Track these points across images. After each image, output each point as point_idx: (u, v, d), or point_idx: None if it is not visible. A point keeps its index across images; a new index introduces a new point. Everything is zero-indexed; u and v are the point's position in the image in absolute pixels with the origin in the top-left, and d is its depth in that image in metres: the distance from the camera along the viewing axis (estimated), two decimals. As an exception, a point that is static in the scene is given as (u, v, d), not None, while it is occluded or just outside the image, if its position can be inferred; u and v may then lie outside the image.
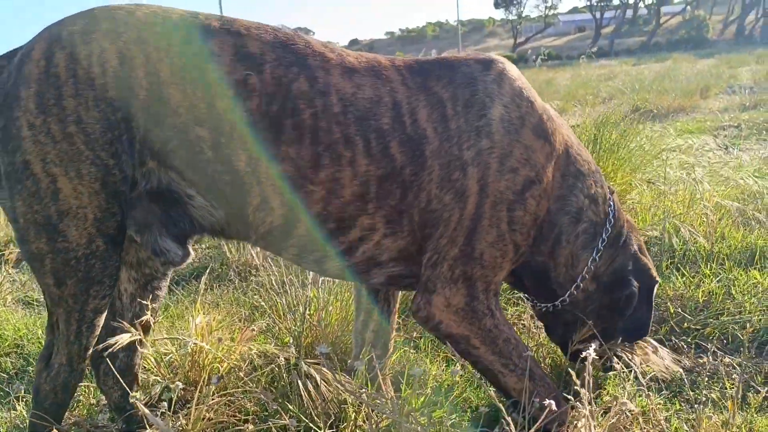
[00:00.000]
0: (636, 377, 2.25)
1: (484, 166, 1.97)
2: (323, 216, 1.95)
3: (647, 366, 2.49)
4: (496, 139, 1.99)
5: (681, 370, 2.57)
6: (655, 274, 2.41)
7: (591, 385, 1.85)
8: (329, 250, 2.03)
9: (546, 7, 73.65)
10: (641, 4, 69.21)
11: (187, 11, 1.96)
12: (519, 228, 2.03)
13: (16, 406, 2.60)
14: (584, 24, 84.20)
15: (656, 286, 2.41)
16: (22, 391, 2.68)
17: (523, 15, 75.55)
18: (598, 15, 66.90)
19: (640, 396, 2.31)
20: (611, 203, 2.30)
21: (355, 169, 1.92)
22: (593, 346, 1.91)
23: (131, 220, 1.95)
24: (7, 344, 3.30)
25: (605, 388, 2.51)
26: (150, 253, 2.03)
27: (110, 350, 2.20)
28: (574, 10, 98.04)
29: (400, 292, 2.59)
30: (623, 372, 2.33)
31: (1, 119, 1.83)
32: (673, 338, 2.92)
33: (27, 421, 2.43)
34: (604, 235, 2.24)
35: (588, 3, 68.06)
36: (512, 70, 2.14)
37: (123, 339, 1.94)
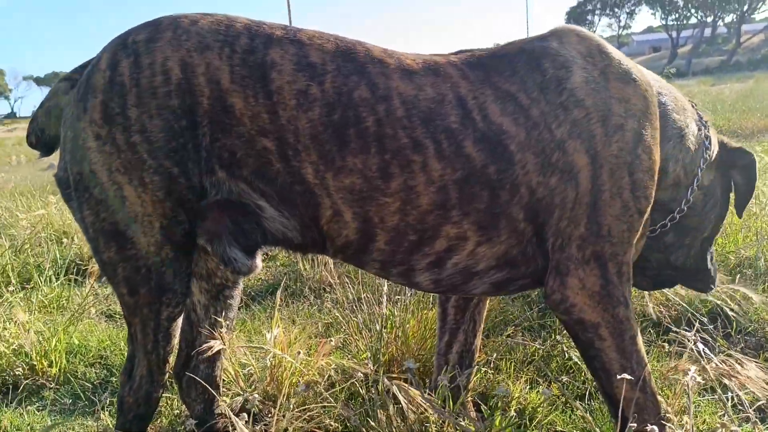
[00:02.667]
0: (734, 405, 2.12)
1: (588, 134, 1.86)
2: (402, 228, 1.88)
3: (736, 381, 2.33)
4: (589, 104, 1.88)
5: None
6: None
7: (692, 410, 1.74)
8: (414, 263, 1.96)
9: (619, 27, 72.45)
10: (720, 23, 67.12)
11: (252, 20, 1.93)
12: (641, 192, 1.90)
13: (101, 415, 2.65)
14: (659, 44, 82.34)
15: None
16: (107, 401, 2.73)
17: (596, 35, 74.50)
18: (674, 34, 65.30)
19: (746, 424, 2.17)
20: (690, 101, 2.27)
21: (429, 174, 1.83)
22: (693, 369, 1.79)
23: (202, 230, 1.94)
24: (91, 355, 3.39)
25: (700, 416, 2.37)
26: (219, 261, 2.02)
27: (193, 362, 2.22)
28: (649, 30, 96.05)
29: (485, 311, 2.51)
30: (723, 398, 2.19)
31: (70, 131, 1.87)
32: (771, 366, 2.75)
33: (111, 429, 2.48)
34: (703, 121, 2.20)
35: (663, 22, 66.53)
36: (571, 30, 2.04)
37: (214, 345, 1.95)
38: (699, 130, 2.18)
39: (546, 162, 1.86)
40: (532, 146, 1.85)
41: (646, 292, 3.21)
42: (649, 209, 1.96)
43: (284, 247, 2.02)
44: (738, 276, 3.36)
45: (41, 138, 2.04)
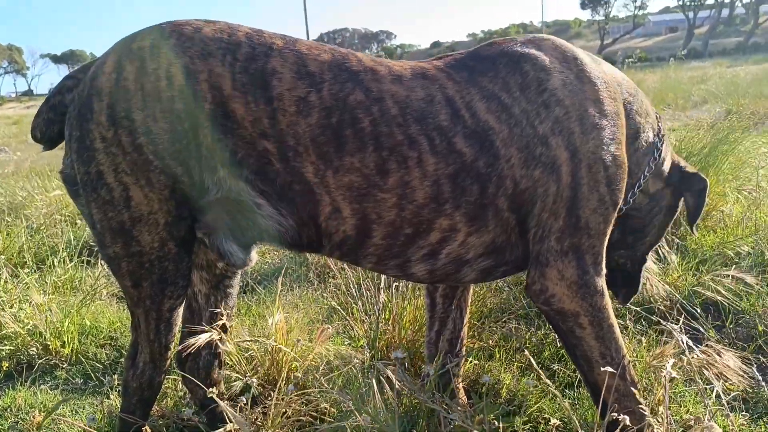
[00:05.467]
0: (718, 395, 2.19)
1: (567, 132, 1.97)
2: (398, 222, 1.97)
3: (715, 370, 2.41)
4: (568, 104, 1.99)
5: (753, 371, 2.48)
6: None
7: (668, 401, 1.82)
8: (410, 255, 2.05)
9: (635, 7, 71.54)
10: (738, 3, 66.09)
11: (253, 29, 2.02)
12: (615, 185, 2.02)
13: (110, 395, 2.76)
14: (676, 24, 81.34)
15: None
16: (116, 382, 2.85)
17: (611, 15, 73.71)
18: (691, 15, 64.38)
19: (722, 416, 2.25)
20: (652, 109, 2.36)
21: (424, 169, 1.93)
22: (671, 362, 1.87)
23: (201, 224, 2.03)
24: (102, 336, 3.51)
25: (684, 405, 2.45)
26: (215, 254, 2.12)
27: (191, 350, 2.32)
28: (666, 10, 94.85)
29: (470, 298, 2.60)
30: (704, 389, 2.26)
31: (76, 130, 1.94)
32: (761, 357, 2.82)
33: (119, 409, 2.60)
34: (660, 134, 2.31)
35: (680, 2, 65.57)
36: (547, 38, 2.16)
37: (201, 339, 2.05)
38: (652, 139, 2.28)
39: (530, 156, 1.97)
40: (516, 141, 1.96)
41: (647, 282, 3.28)
42: (621, 202, 2.08)
43: (279, 245, 2.10)
44: (734, 267, 3.42)
45: (46, 133, 2.11)
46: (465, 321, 2.57)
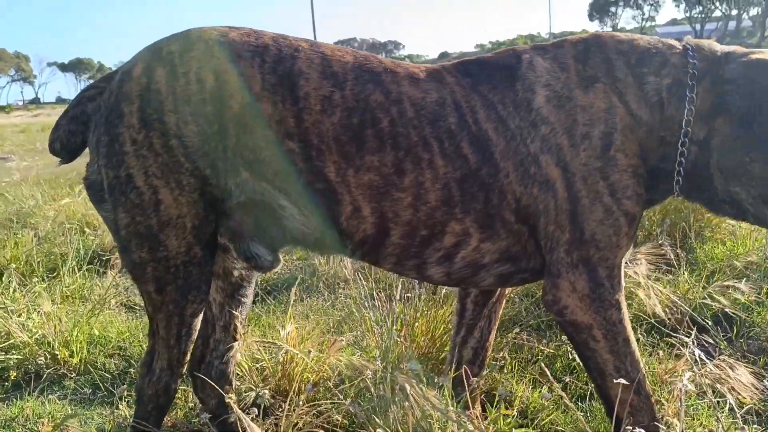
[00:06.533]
0: (731, 409, 2.17)
1: (556, 148, 1.95)
2: (414, 223, 2.00)
3: (727, 385, 2.38)
4: (553, 120, 1.97)
5: (765, 385, 2.46)
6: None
7: (683, 415, 1.80)
8: (426, 257, 2.07)
9: (643, 19, 71.74)
10: (745, 16, 66.18)
11: (278, 33, 2.07)
12: (622, 193, 1.95)
13: (119, 405, 2.75)
14: (683, 36, 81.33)
15: None
16: (125, 392, 2.83)
17: (619, 27, 73.89)
18: (698, 27, 64.51)
19: (736, 429, 2.23)
20: (685, 46, 2.08)
21: (435, 171, 1.96)
22: (687, 375, 1.85)
23: (225, 229, 2.05)
24: (111, 346, 3.49)
25: (697, 418, 2.43)
26: (241, 258, 2.13)
27: (208, 359, 2.33)
28: (673, 22, 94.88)
29: (501, 310, 2.59)
30: (717, 402, 2.25)
31: (105, 136, 1.97)
32: (774, 370, 2.80)
33: (128, 420, 2.59)
34: (691, 70, 1.99)
35: (687, 14, 65.71)
36: (540, 47, 2.12)
37: (234, 345, 2.04)
38: (678, 82, 2.01)
39: (525, 174, 1.97)
40: (512, 157, 1.97)
41: (652, 294, 3.26)
42: (636, 207, 1.97)
43: (303, 246, 2.14)
44: (744, 280, 3.40)
45: (67, 144, 2.11)
46: (492, 333, 2.56)
